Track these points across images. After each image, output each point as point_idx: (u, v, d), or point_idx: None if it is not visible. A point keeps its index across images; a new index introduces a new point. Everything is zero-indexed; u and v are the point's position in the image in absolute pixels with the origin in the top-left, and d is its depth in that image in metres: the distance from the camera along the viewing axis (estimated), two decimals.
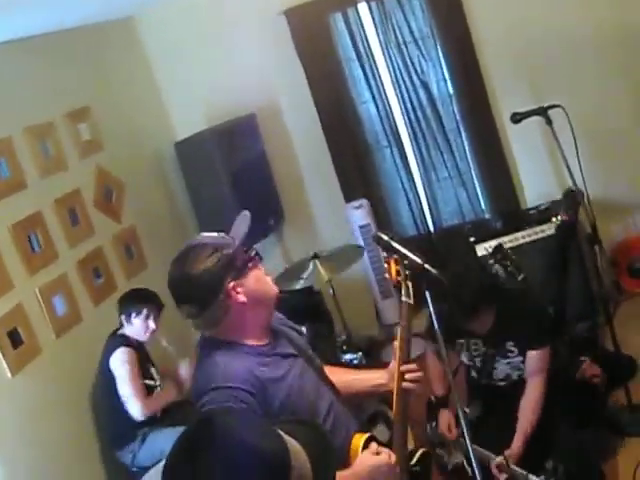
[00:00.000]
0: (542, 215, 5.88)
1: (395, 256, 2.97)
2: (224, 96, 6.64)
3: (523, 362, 4.14)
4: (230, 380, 2.56)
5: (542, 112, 4.71)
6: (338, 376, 3.07)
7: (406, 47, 6.39)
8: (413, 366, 2.90)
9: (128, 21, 6.70)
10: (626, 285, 6.31)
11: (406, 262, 2.77)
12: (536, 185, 6.30)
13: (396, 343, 2.92)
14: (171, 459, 1.68)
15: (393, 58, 6.43)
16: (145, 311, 5.10)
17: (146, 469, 4.82)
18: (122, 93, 6.41)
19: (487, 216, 6.58)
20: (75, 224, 5.56)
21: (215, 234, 2.73)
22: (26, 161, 5.23)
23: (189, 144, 6.48)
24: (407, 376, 2.87)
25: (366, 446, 2.68)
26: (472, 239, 5.98)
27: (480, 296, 3.98)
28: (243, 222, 2.75)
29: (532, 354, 4.11)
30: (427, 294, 2.67)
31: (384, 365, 3.03)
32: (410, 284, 2.86)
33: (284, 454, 1.67)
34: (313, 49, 6.50)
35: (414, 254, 2.70)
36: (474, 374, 4.33)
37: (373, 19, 6.40)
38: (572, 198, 4.45)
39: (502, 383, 4.26)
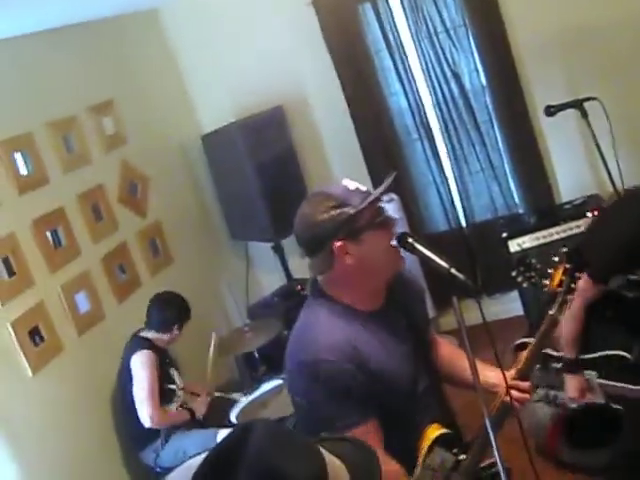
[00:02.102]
0: (577, 210, 5.73)
1: (567, 266, 2.95)
2: (251, 88, 6.54)
3: None
4: (330, 351, 2.53)
5: (577, 105, 4.60)
6: (452, 358, 3.00)
7: (437, 37, 6.24)
8: (527, 385, 2.82)
9: (152, 12, 6.62)
10: None
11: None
12: (571, 179, 6.14)
13: (524, 353, 2.86)
14: (200, 469, 1.60)
15: (424, 49, 6.28)
16: (174, 329, 5.13)
17: (169, 470, 4.74)
18: (146, 86, 6.34)
19: (520, 211, 6.42)
20: (99, 219, 5.50)
21: (353, 186, 2.64)
22: (49, 156, 5.18)
23: (216, 137, 6.41)
24: (515, 393, 2.74)
25: (437, 441, 2.65)
26: (505, 234, 5.85)
27: None
28: (387, 183, 2.70)
29: None
30: (454, 299, 2.53)
31: None
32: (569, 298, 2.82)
33: (319, 473, 1.58)
34: (342, 40, 6.38)
35: (440, 258, 2.57)
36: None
37: (404, 9, 6.26)
38: None
39: None
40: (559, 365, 4.11)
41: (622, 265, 3.79)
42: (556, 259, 3.17)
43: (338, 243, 2.55)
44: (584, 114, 4.54)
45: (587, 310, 3.86)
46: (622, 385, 3.87)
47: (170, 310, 5.14)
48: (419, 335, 2.81)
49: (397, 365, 2.65)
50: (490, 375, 2.85)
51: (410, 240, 2.65)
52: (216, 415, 5.19)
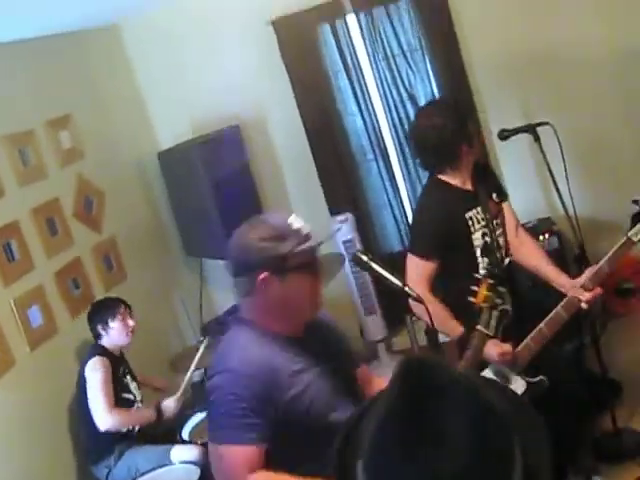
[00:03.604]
0: (529, 233, 5.77)
1: (490, 281, 3.02)
2: (209, 106, 6.57)
3: None
4: (245, 365, 2.60)
5: (530, 129, 4.64)
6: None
7: (394, 60, 6.31)
8: None
9: (112, 28, 6.61)
10: (613, 306, 6.24)
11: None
12: (523, 202, 6.16)
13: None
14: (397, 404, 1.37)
15: (381, 71, 6.35)
16: (121, 310, 5.09)
17: None
18: (105, 101, 6.33)
19: None
20: (53, 234, 5.47)
21: (297, 225, 2.67)
22: (4, 169, 5.16)
23: (172, 154, 6.42)
24: None
25: None
26: None
27: None
28: (334, 233, 2.75)
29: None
30: (408, 319, 2.58)
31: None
32: (496, 314, 2.84)
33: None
34: (300, 60, 6.43)
35: (394, 276, 2.61)
36: (488, 260, 3.98)
37: (361, 31, 6.32)
38: None
39: (507, 260, 4.10)
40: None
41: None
42: (479, 275, 3.22)
43: (262, 275, 2.60)
44: (537, 138, 4.59)
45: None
46: None
47: (101, 301, 5.23)
48: (340, 367, 2.83)
49: (313, 393, 2.68)
50: None
51: (365, 258, 2.70)
52: (168, 432, 5.16)
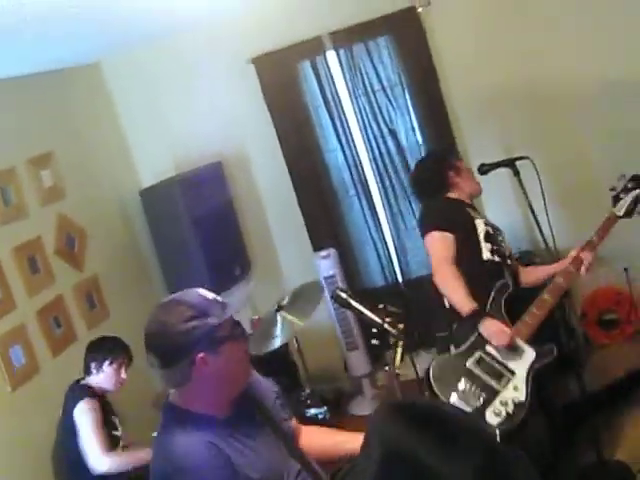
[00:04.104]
0: None
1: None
2: (191, 144, 6.60)
3: None
4: (198, 460, 2.49)
5: (510, 164, 4.70)
6: (320, 439, 3.03)
7: (374, 95, 6.35)
8: None
9: (94, 66, 6.65)
10: (595, 337, 6.27)
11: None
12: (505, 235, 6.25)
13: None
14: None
15: (361, 106, 6.39)
16: (120, 359, 4.98)
17: None
18: (87, 139, 6.34)
19: None
20: (35, 272, 5.46)
21: (211, 296, 2.63)
22: None
23: (154, 192, 6.41)
24: None
25: None
26: None
27: None
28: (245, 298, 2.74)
29: None
30: (388, 355, 2.59)
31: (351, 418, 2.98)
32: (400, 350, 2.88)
33: None
34: (281, 97, 6.47)
35: (373, 313, 2.63)
36: (491, 247, 4.44)
37: (341, 67, 6.37)
38: None
39: (510, 262, 4.52)
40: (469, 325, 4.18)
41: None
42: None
43: (200, 354, 2.53)
44: (516, 173, 4.64)
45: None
46: None
47: (110, 340, 5.08)
48: (276, 427, 2.81)
49: (261, 460, 2.65)
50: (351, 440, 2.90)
51: (344, 295, 2.71)
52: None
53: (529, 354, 4.02)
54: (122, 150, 6.80)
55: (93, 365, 4.96)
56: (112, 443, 4.92)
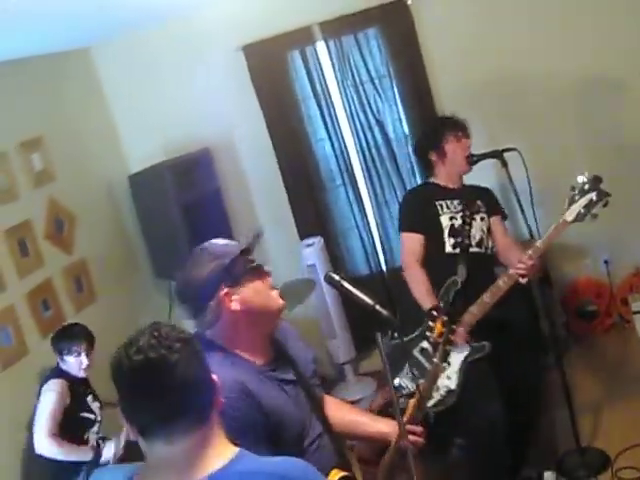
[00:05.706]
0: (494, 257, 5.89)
1: (444, 318, 3.50)
2: (180, 130, 6.62)
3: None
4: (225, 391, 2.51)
5: (498, 155, 4.75)
6: (343, 413, 3.15)
7: (363, 86, 6.42)
8: (420, 429, 3.02)
9: (85, 51, 6.67)
10: (575, 327, 6.37)
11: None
12: None
13: (412, 401, 3.07)
14: None
15: (349, 97, 6.45)
16: (75, 348, 5.00)
17: None
18: (77, 124, 6.36)
19: None
20: (25, 255, 5.49)
21: (223, 241, 2.83)
22: None
23: (143, 177, 6.45)
24: (410, 437, 2.92)
25: None
26: None
27: None
28: (256, 236, 2.88)
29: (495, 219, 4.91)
30: (378, 336, 2.65)
31: None
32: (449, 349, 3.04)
33: None
34: (270, 86, 6.52)
35: (365, 295, 2.70)
36: (454, 241, 4.69)
37: (331, 58, 6.43)
38: None
39: (478, 249, 4.70)
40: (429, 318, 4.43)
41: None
42: (434, 312, 3.71)
43: (223, 291, 2.68)
44: (504, 164, 4.69)
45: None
46: None
47: (64, 330, 5.15)
48: (308, 388, 2.91)
49: (286, 409, 2.72)
50: (380, 425, 3.11)
51: (337, 277, 2.77)
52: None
53: (464, 349, 4.36)
54: (111, 135, 6.83)
55: (57, 355, 5.03)
56: (80, 426, 4.97)
